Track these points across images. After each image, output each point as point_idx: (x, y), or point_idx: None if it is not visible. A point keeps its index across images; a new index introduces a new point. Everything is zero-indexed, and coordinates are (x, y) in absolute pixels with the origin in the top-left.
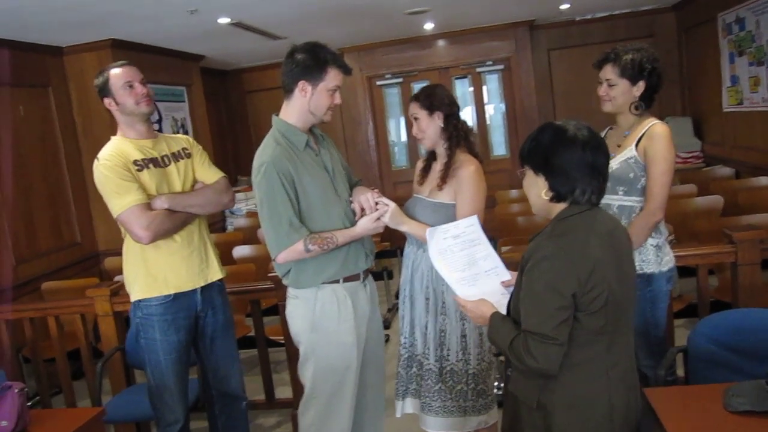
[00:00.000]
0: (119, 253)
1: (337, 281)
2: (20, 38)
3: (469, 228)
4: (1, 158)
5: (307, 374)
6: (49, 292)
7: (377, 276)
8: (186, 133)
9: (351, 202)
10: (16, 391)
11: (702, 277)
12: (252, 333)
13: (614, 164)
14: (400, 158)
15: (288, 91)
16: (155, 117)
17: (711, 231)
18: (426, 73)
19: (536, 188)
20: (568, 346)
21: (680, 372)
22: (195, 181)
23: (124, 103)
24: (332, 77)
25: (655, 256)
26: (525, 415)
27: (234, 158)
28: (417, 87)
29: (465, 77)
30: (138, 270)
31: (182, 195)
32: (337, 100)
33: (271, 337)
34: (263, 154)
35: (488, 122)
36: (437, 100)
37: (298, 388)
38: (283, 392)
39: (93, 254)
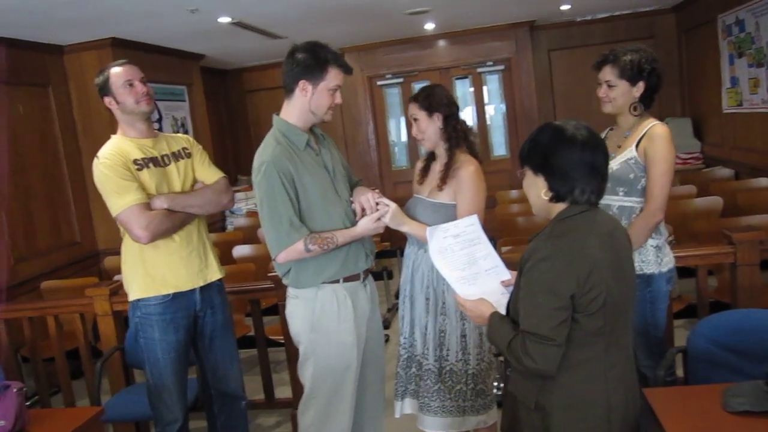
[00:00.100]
0: (119, 253)
1: (337, 281)
2: (20, 37)
3: (469, 227)
4: (0, 157)
5: (306, 374)
6: (48, 292)
7: (377, 276)
8: (186, 132)
9: (351, 202)
10: (15, 390)
11: (701, 277)
12: (252, 333)
13: (614, 165)
14: (400, 158)
15: (289, 90)
16: (155, 116)
17: (710, 232)
18: (426, 73)
19: (536, 188)
20: (567, 347)
21: (680, 372)
22: (195, 181)
23: (125, 101)
24: (333, 77)
25: (654, 257)
26: (524, 416)
27: (234, 158)
28: (417, 87)
29: (465, 77)
30: (136, 270)
31: (182, 195)
32: (338, 99)
33: (271, 337)
34: (263, 154)
35: (488, 122)
36: (436, 100)
37: (297, 388)
38: (283, 392)
39: (92, 253)
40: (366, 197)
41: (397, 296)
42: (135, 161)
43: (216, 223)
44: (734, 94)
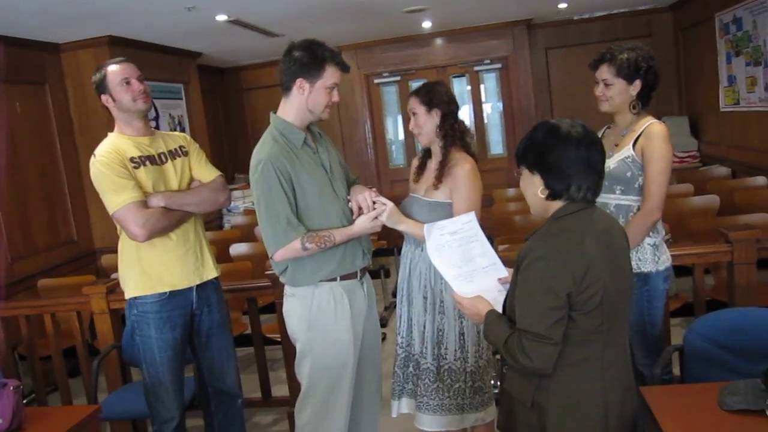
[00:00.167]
0: (116, 251)
1: (335, 279)
2: (17, 35)
3: (466, 224)
4: None
5: (303, 372)
6: (45, 290)
7: (374, 274)
8: (183, 130)
9: (349, 200)
10: (12, 388)
11: (698, 276)
12: (249, 331)
13: (612, 163)
14: (397, 157)
15: (286, 88)
16: (152, 114)
17: (707, 230)
18: (424, 71)
19: (532, 187)
20: (564, 346)
21: (676, 371)
22: (191, 179)
23: (121, 99)
24: (330, 75)
25: (652, 256)
26: (520, 414)
27: (231, 156)
28: (415, 85)
29: (462, 76)
30: (133, 268)
31: (178, 193)
32: (335, 97)
33: (268, 335)
34: (261, 152)
35: (486, 121)
36: (437, 97)
37: (294, 386)
38: (280, 390)
39: (89, 252)
40: (363, 196)
41: (394, 294)
42: (132, 159)
43: (213, 221)
44: (731, 93)
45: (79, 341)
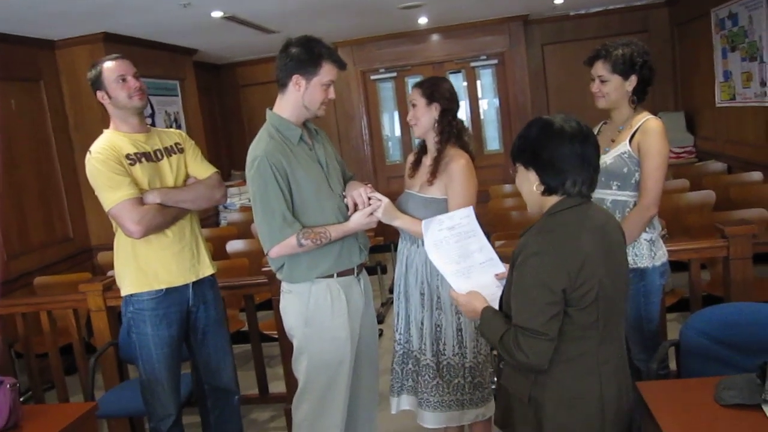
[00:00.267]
0: (112, 248)
1: (331, 276)
2: (11, 31)
3: (464, 219)
4: None
5: (300, 369)
6: (42, 287)
7: (371, 271)
8: (179, 127)
9: (344, 196)
10: (8, 386)
11: (694, 271)
12: (245, 328)
13: (608, 159)
14: (393, 153)
15: (282, 85)
16: (148, 111)
17: (703, 226)
18: (420, 67)
19: (528, 183)
20: (560, 342)
21: (672, 366)
22: (187, 176)
23: (117, 96)
24: (326, 72)
25: (648, 251)
26: (517, 409)
27: (227, 152)
28: (411, 81)
29: (459, 72)
30: (129, 265)
31: (174, 190)
32: (331, 94)
33: (265, 332)
34: (257, 148)
35: (482, 117)
36: (438, 92)
37: (291, 383)
38: (277, 387)
39: (85, 249)
40: (358, 192)
41: (390, 291)
42: (127, 156)
43: (210, 218)
44: (727, 88)
45: (76, 339)
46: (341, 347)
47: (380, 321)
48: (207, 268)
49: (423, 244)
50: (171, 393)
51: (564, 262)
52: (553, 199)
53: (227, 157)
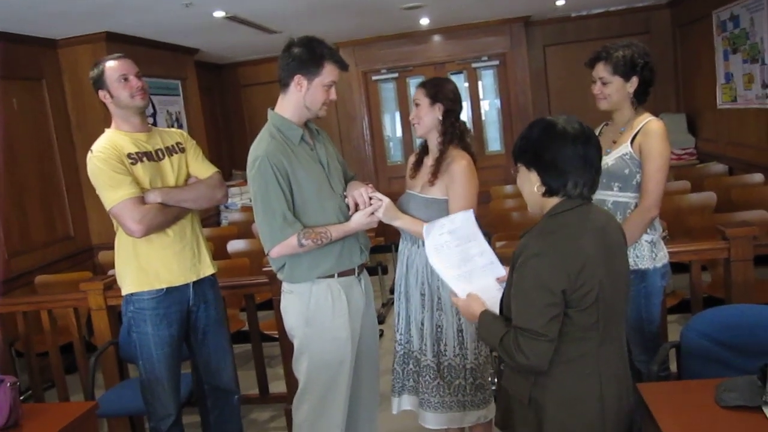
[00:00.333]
0: (113, 247)
1: (332, 276)
2: (14, 30)
3: (464, 222)
4: None
5: (301, 369)
6: (42, 286)
7: (371, 271)
8: (180, 126)
9: (345, 196)
10: (9, 385)
11: (695, 273)
12: (246, 327)
13: (609, 160)
14: (395, 153)
15: (284, 85)
16: (149, 110)
17: (704, 227)
18: (421, 68)
19: (529, 184)
20: (560, 343)
21: (673, 367)
22: (188, 176)
23: (119, 96)
24: (328, 72)
25: (649, 252)
26: (517, 411)
27: (229, 152)
28: (412, 82)
29: (460, 73)
30: (129, 264)
31: (175, 189)
32: (333, 95)
33: (266, 332)
34: (258, 148)
35: (483, 118)
36: (442, 92)
37: (292, 383)
38: (277, 387)
39: (86, 248)
40: (359, 192)
41: (391, 291)
42: (129, 155)
43: (211, 217)
44: (729, 90)
45: (76, 338)
46: (342, 347)
47: (381, 321)
48: (208, 268)
49: (424, 245)
50: (171, 392)
51: (564, 263)
52: (553, 201)
53: (228, 157)
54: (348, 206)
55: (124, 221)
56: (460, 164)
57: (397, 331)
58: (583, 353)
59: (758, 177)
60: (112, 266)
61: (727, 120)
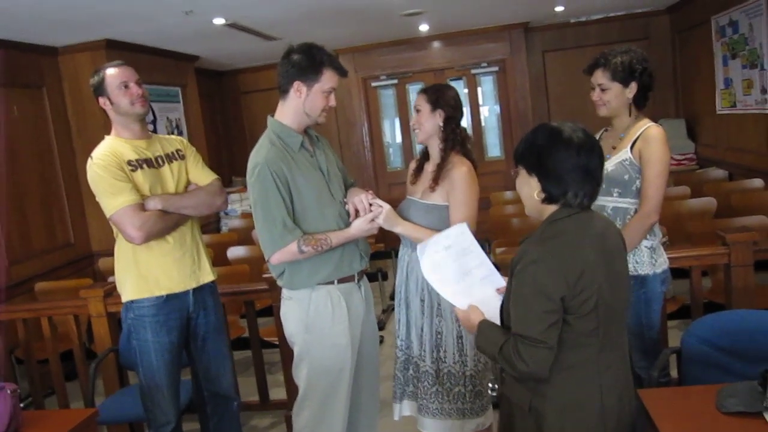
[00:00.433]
0: (113, 254)
1: (332, 282)
2: (14, 38)
3: (459, 236)
4: None
5: (301, 375)
6: (43, 293)
7: (371, 277)
8: (180, 133)
9: (345, 203)
10: (9, 392)
11: (695, 278)
12: (246, 334)
13: (609, 166)
14: (395, 160)
15: (283, 91)
16: (150, 117)
17: (704, 233)
18: (421, 74)
19: (528, 188)
20: (560, 350)
21: (674, 373)
22: (188, 183)
23: (119, 103)
24: (327, 78)
25: (649, 258)
26: (518, 418)
27: (229, 159)
28: (412, 88)
29: (460, 79)
30: (129, 271)
31: (176, 196)
32: (332, 102)
33: (266, 338)
34: (258, 155)
35: (483, 124)
36: (443, 99)
37: (292, 390)
38: (278, 393)
39: (87, 255)
40: (359, 198)
41: (391, 297)
42: (129, 162)
43: (210, 224)
44: (728, 95)
45: (77, 345)
46: (342, 354)
47: (381, 327)
48: (207, 275)
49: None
50: (171, 399)
51: (562, 269)
52: (552, 208)
53: (228, 164)
54: (348, 213)
55: (125, 228)
56: (460, 170)
57: (398, 336)
58: (584, 360)
59: (758, 182)
60: (113, 273)
61: (727, 125)
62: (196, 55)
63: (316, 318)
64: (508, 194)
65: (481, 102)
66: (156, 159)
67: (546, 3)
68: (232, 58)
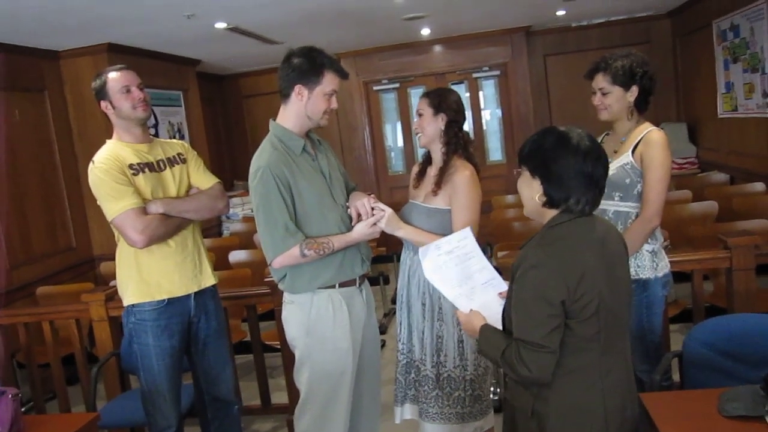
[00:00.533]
0: (114, 258)
1: (333, 286)
2: (16, 42)
3: (462, 241)
4: None
5: (302, 379)
6: (44, 297)
7: (373, 281)
8: (182, 137)
9: (347, 207)
10: (10, 396)
11: (697, 282)
12: (248, 338)
13: (611, 170)
14: (396, 163)
15: (285, 95)
16: (151, 121)
17: (706, 236)
18: (422, 78)
19: (530, 190)
20: (561, 354)
21: (675, 377)
22: (190, 187)
23: (121, 107)
24: (329, 81)
25: (650, 262)
26: (521, 423)
27: (230, 163)
28: (414, 92)
29: (461, 83)
30: (131, 275)
31: (177, 200)
32: (334, 104)
33: (267, 342)
34: (260, 159)
35: (484, 128)
36: (446, 103)
37: (293, 394)
38: (279, 397)
39: (88, 259)
40: (362, 202)
41: (393, 301)
42: (130, 166)
43: (212, 228)
44: (729, 99)
45: (78, 349)
46: (343, 358)
47: (383, 331)
48: (209, 279)
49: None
50: (172, 404)
51: (562, 274)
52: (553, 212)
53: (230, 168)
54: (350, 217)
55: (126, 232)
56: (463, 174)
57: (400, 340)
58: (585, 364)
59: (759, 186)
60: (114, 277)
61: (728, 129)
62: (197, 59)
63: (317, 322)
64: (510, 198)
65: (482, 106)
66: (157, 163)
67: (547, 7)
68: (234, 62)
